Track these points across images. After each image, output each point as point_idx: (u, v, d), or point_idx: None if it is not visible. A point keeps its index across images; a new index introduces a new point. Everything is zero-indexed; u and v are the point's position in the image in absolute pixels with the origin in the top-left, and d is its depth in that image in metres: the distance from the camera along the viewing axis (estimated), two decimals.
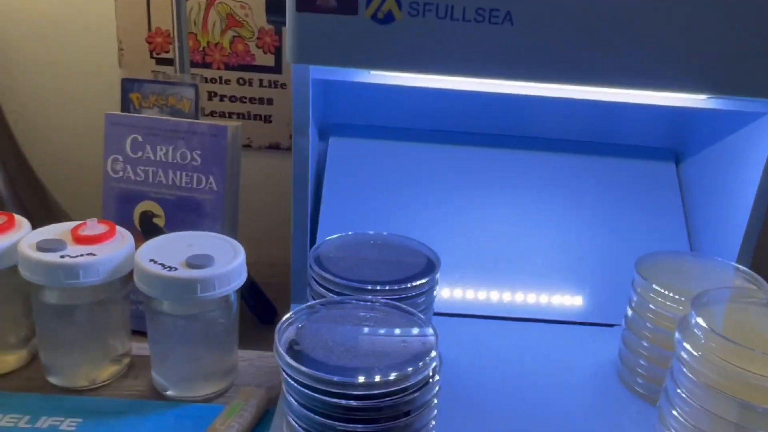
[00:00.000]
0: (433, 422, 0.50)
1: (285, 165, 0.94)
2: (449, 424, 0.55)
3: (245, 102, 0.92)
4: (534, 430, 0.57)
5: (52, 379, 0.63)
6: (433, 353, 0.48)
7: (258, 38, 0.89)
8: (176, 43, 0.71)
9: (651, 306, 0.60)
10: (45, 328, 0.62)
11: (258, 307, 0.75)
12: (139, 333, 0.66)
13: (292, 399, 0.48)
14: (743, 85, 0.57)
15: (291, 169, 0.94)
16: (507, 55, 0.53)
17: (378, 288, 0.57)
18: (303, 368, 0.46)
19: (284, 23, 0.54)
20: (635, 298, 0.62)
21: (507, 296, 0.72)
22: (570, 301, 0.72)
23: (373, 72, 0.62)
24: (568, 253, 0.74)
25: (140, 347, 0.66)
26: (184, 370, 0.62)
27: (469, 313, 0.70)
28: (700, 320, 0.49)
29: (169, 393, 0.62)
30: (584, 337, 0.69)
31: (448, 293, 0.71)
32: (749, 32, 0.55)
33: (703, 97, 0.68)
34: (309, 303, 0.53)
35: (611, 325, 0.71)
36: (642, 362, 0.61)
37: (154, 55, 0.90)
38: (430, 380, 0.48)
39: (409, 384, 0.46)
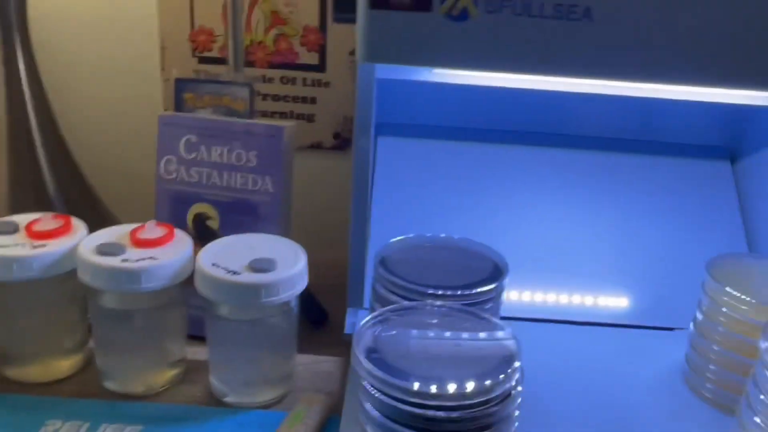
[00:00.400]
0: None
1: (327, 165, 0.94)
2: None
3: (288, 101, 0.91)
4: None
5: (108, 385, 0.62)
6: (517, 363, 0.47)
7: (302, 36, 0.88)
8: (231, 42, 0.70)
9: (723, 309, 0.59)
10: (103, 333, 0.61)
11: (309, 311, 0.74)
12: (193, 337, 0.66)
13: (370, 408, 0.47)
14: None
15: (334, 168, 0.94)
16: (586, 53, 0.52)
17: (446, 293, 0.56)
18: (384, 375, 0.45)
19: (354, 20, 0.53)
20: (706, 302, 0.61)
21: (565, 299, 0.71)
22: (629, 303, 0.71)
23: (435, 71, 0.61)
24: (625, 255, 0.73)
25: (194, 352, 0.66)
26: (244, 375, 0.61)
27: (529, 317, 0.69)
28: None
29: (228, 399, 0.61)
30: (646, 341, 0.68)
31: (509, 296, 0.70)
32: None
33: (763, 93, 0.67)
34: (383, 309, 0.52)
35: (670, 329, 0.70)
36: (712, 367, 0.60)
37: (197, 54, 0.89)
38: (513, 391, 0.47)
39: (493, 395, 0.46)
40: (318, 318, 0.75)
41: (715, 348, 0.60)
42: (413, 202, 0.75)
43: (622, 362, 0.65)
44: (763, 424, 0.50)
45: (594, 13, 0.51)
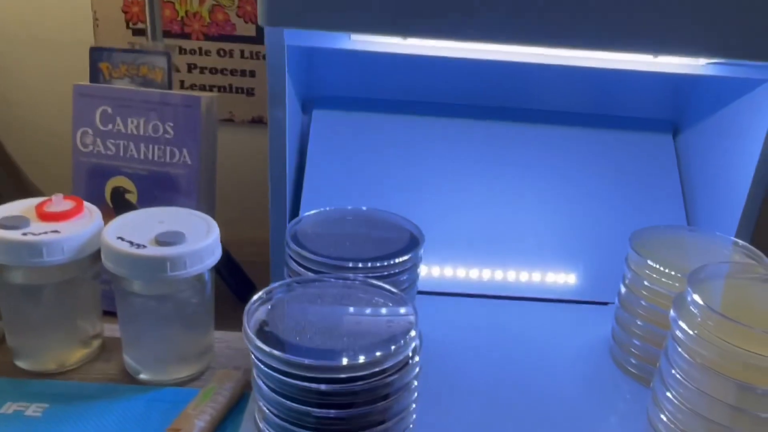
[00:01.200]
0: (414, 405, 0.48)
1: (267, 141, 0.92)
2: (431, 406, 0.53)
3: (226, 74, 0.89)
4: (523, 412, 0.55)
5: (20, 363, 0.61)
6: (413, 333, 0.45)
7: (238, 7, 0.86)
8: (148, 8, 0.68)
9: (645, 283, 0.58)
10: (11, 310, 0.59)
11: (238, 287, 0.73)
12: (111, 314, 0.64)
13: (262, 384, 0.45)
14: (745, 47, 0.54)
15: None
16: (502, 15, 0.50)
17: (359, 265, 0.55)
18: (272, 351, 0.43)
19: None
20: (629, 275, 0.60)
21: (496, 274, 0.70)
22: (561, 278, 0.70)
23: (353, 38, 0.59)
24: (560, 229, 0.72)
25: (112, 329, 0.64)
26: (156, 352, 0.60)
27: (456, 292, 0.69)
28: (696, 297, 0.48)
29: (141, 376, 0.60)
30: (576, 315, 0.68)
31: (434, 271, 0.69)
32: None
33: (702, 62, 0.66)
34: (281, 282, 0.50)
35: (605, 303, 0.70)
36: (635, 341, 0.60)
37: (131, 26, 0.87)
38: (410, 361, 0.46)
39: (387, 366, 0.44)
40: (246, 293, 0.74)
41: (639, 322, 0.59)
42: (347, 176, 0.73)
43: (549, 337, 0.64)
44: (675, 400, 0.50)
45: None
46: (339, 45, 0.60)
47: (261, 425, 0.47)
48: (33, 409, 0.56)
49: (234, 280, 0.73)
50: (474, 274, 0.70)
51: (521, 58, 0.65)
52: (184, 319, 0.59)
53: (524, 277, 0.70)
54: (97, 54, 0.66)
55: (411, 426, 0.48)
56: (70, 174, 0.80)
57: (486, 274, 0.70)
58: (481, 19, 0.51)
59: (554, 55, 0.65)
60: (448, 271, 0.69)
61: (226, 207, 0.73)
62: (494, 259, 0.70)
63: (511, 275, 0.70)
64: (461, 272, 0.69)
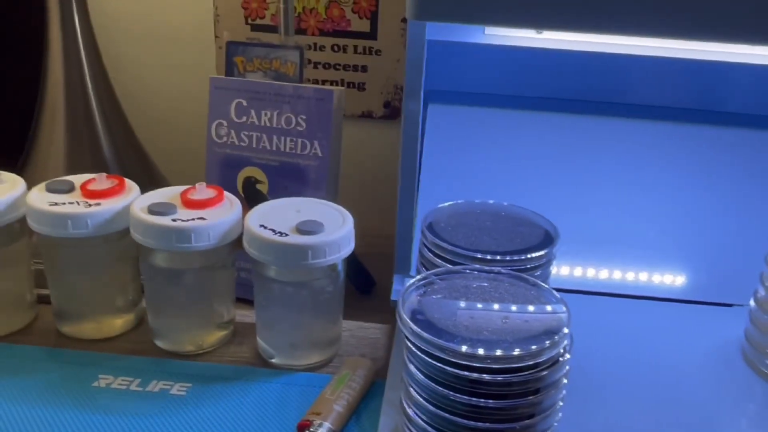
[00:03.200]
0: (561, 403, 0.48)
1: (378, 134, 0.93)
2: (572, 403, 0.52)
3: (339, 69, 0.90)
4: (658, 414, 0.55)
5: (159, 343, 0.63)
6: (566, 330, 0.46)
7: (354, 3, 0.87)
8: (281, 4, 0.69)
9: None
10: (154, 292, 0.62)
11: (357, 278, 0.74)
12: (241, 300, 0.67)
13: (415, 370, 0.46)
14: None
15: (384, 138, 0.93)
16: (648, 7, 0.49)
17: (495, 258, 0.55)
18: (431, 337, 0.44)
19: None
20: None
21: (618, 273, 0.69)
22: (687, 278, 0.69)
23: (488, 32, 0.59)
24: (684, 229, 0.71)
25: (243, 315, 0.67)
26: (289, 337, 0.61)
27: (581, 290, 0.68)
28: None
29: (274, 360, 0.62)
30: (704, 316, 0.67)
31: (560, 268, 0.69)
32: None
33: None
34: (428, 272, 0.51)
35: (729, 305, 0.68)
36: None
37: (249, 21, 0.89)
38: (561, 358, 0.46)
39: (541, 360, 0.44)
40: (365, 285, 0.75)
41: None
42: (462, 170, 0.74)
43: (678, 338, 0.63)
44: None
45: None
46: (474, 39, 0.61)
47: (409, 411, 0.48)
48: (177, 388, 0.58)
49: (353, 271, 0.74)
50: (596, 272, 0.69)
51: (642, 51, 0.64)
52: (317, 307, 0.61)
53: (648, 276, 0.69)
54: (233, 48, 0.68)
55: (556, 424, 0.48)
56: (192, 165, 0.83)
57: (608, 272, 0.69)
58: (623, 12, 0.51)
59: (679, 48, 0.64)
60: (571, 269, 0.69)
61: (340, 200, 0.75)
62: (616, 258, 0.70)
63: (636, 275, 0.69)
64: (585, 270, 0.69)
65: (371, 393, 0.59)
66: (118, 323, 0.65)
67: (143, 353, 0.62)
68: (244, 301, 0.66)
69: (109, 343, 0.64)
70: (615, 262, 0.69)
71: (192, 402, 0.57)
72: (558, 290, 0.67)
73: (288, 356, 0.62)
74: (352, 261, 0.75)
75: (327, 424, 0.53)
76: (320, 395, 0.56)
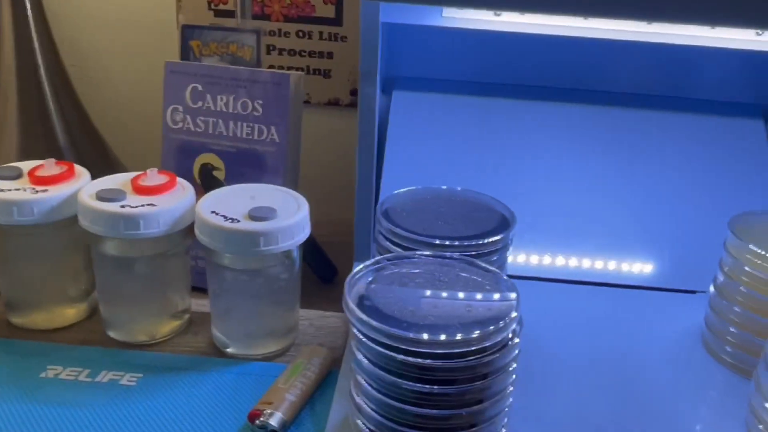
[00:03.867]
0: (511, 388, 0.47)
1: (344, 122, 0.92)
2: (526, 390, 0.52)
3: (305, 56, 0.90)
4: (614, 401, 0.54)
5: (112, 334, 0.62)
6: (514, 314, 0.45)
7: None
8: None
9: (746, 268, 0.57)
10: (105, 281, 0.61)
11: (318, 266, 0.74)
12: (198, 290, 0.66)
13: (362, 357, 0.45)
14: None
15: (351, 126, 0.92)
16: None
17: (451, 243, 0.54)
18: (376, 323, 0.43)
19: None
20: (728, 261, 0.59)
21: (582, 260, 0.69)
22: (648, 266, 0.69)
23: (445, 14, 0.58)
24: (646, 216, 0.71)
25: (199, 304, 0.66)
26: (245, 326, 0.61)
27: (541, 276, 0.68)
28: None
29: (229, 350, 0.61)
30: (664, 303, 0.67)
31: (518, 255, 0.68)
32: None
33: None
34: (378, 257, 0.50)
35: (692, 292, 0.68)
36: (732, 329, 0.58)
37: (213, 7, 0.88)
38: (510, 342, 0.45)
39: (487, 344, 0.44)
40: (327, 273, 0.74)
41: (736, 309, 0.58)
42: (426, 156, 0.73)
43: (638, 325, 0.63)
44: None
45: None
46: (431, 22, 0.60)
47: (358, 399, 0.47)
48: (127, 379, 0.57)
49: (315, 260, 0.73)
50: (559, 259, 0.69)
51: (609, 35, 0.64)
52: (272, 295, 0.60)
53: (609, 263, 0.69)
54: (188, 32, 0.67)
55: (506, 409, 0.48)
56: (151, 151, 0.82)
57: (572, 260, 0.69)
58: None
59: (639, 32, 0.64)
60: (530, 255, 0.69)
61: (303, 188, 0.74)
62: (580, 245, 0.69)
63: (597, 261, 0.69)
64: (546, 257, 0.69)
65: (327, 382, 0.58)
66: (71, 313, 0.64)
67: (95, 343, 0.61)
68: (201, 290, 0.65)
69: (60, 333, 0.63)
70: (576, 249, 0.69)
71: (142, 392, 0.56)
72: (516, 277, 0.66)
73: (243, 346, 0.61)
74: (313, 250, 0.74)
75: (278, 414, 0.52)
76: (273, 384, 0.55)
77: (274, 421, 0.51)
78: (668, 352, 0.60)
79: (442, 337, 0.43)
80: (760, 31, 0.60)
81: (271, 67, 0.90)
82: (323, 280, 0.74)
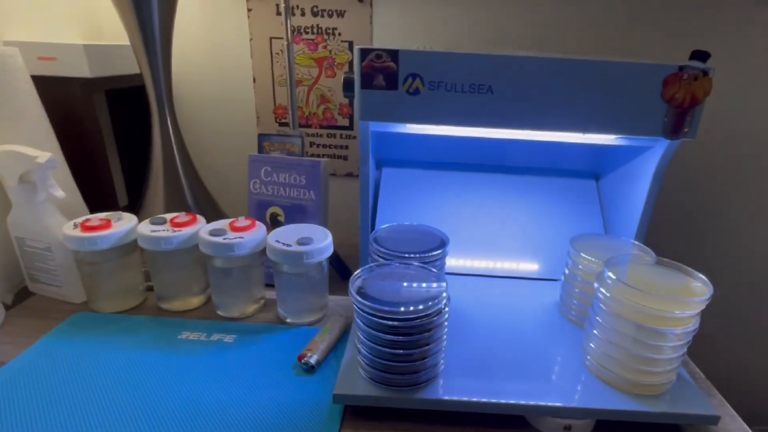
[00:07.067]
0: (445, 337, 0.49)
1: (355, 186, 0.94)
2: (454, 338, 0.54)
3: (331, 148, 0.92)
4: (506, 344, 0.55)
5: (220, 312, 0.63)
6: (444, 294, 0.47)
7: (339, 109, 0.90)
8: (290, 111, 0.72)
9: (580, 267, 0.59)
10: (215, 282, 0.62)
11: (339, 269, 0.75)
12: (269, 285, 0.66)
13: (360, 321, 0.48)
14: (636, 129, 0.55)
15: (359, 189, 0.94)
16: (490, 113, 0.53)
17: (412, 255, 0.56)
18: (368, 303, 0.46)
19: (353, 96, 0.54)
20: (570, 262, 0.60)
21: (491, 262, 0.69)
22: (527, 265, 0.69)
23: (408, 127, 0.62)
24: (529, 237, 0.71)
25: (269, 294, 0.67)
26: (296, 306, 0.62)
27: (464, 273, 0.68)
28: (610, 274, 0.49)
29: (288, 320, 0.62)
30: (536, 287, 0.67)
31: (455, 261, 0.69)
32: (636, 101, 0.54)
33: (612, 137, 0.67)
34: (370, 264, 0.53)
35: (554, 280, 0.69)
36: (574, 302, 0.60)
37: (278, 121, 0.91)
38: (443, 310, 0.47)
39: (430, 311, 0.46)
40: (345, 274, 0.75)
41: (576, 290, 0.59)
42: (405, 207, 0.73)
43: (522, 300, 0.63)
44: (598, 334, 0.51)
45: (494, 89, 0.52)
46: (399, 130, 0.63)
47: (359, 346, 0.49)
48: (228, 338, 0.59)
49: (337, 266, 0.75)
50: (476, 262, 0.69)
51: (506, 135, 0.66)
52: (311, 288, 0.61)
53: (506, 264, 0.69)
54: (262, 137, 0.70)
55: (442, 349, 0.49)
56: (242, 205, 0.85)
57: (483, 262, 0.69)
58: (485, 116, 0.54)
59: (526, 134, 0.66)
60: (461, 261, 0.69)
61: (332, 225, 0.76)
62: (488, 254, 0.70)
63: (498, 263, 0.69)
64: (468, 261, 0.69)
65: (344, 337, 0.59)
66: (195, 301, 0.65)
67: (209, 318, 0.63)
68: (271, 285, 0.66)
69: (189, 312, 0.64)
70: (486, 256, 0.70)
71: (237, 346, 0.57)
72: (450, 273, 0.66)
73: (296, 318, 0.62)
74: (336, 260, 0.76)
75: (315, 355, 0.54)
76: (312, 340, 0.57)
77: (312, 360, 0.53)
78: (539, 316, 0.61)
79: (406, 308, 0.45)
80: (582, 133, 0.63)
81: (313, 154, 0.92)
82: (342, 278, 0.74)
